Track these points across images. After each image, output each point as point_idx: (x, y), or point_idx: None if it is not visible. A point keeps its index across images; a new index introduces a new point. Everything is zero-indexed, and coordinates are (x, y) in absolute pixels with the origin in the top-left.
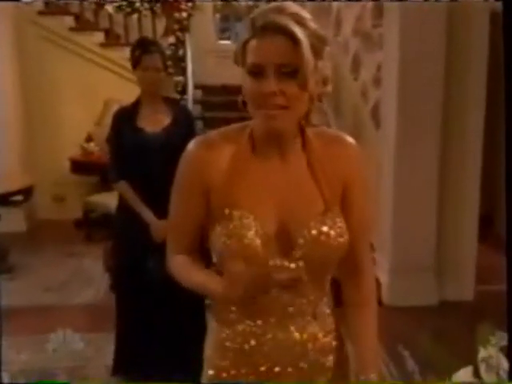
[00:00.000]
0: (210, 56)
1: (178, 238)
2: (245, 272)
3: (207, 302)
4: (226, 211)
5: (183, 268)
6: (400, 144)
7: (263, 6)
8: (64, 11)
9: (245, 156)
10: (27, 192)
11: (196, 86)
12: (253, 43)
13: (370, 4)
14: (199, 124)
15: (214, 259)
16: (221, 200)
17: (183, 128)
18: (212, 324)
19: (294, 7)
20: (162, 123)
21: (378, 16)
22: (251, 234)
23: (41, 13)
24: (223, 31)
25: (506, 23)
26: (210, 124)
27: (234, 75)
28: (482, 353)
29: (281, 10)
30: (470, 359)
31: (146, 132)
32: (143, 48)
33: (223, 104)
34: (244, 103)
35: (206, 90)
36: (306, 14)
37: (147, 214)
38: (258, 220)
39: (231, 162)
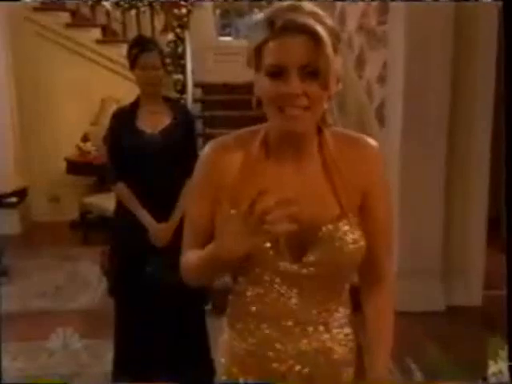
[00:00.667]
0: (210, 53)
1: (192, 235)
2: (233, 217)
3: (207, 308)
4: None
5: (192, 255)
6: (406, 144)
7: (276, 4)
8: (60, 7)
9: (258, 159)
10: (22, 193)
11: (196, 85)
12: (272, 44)
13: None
14: (199, 123)
15: None
16: (232, 203)
17: (183, 128)
18: (224, 331)
19: (309, 5)
20: (161, 124)
21: (383, 12)
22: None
23: (36, 9)
24: (224, 27)
25: (506, 23)
26: (210, 123)
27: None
28: (493, 367)
29: (298, 9)
30: (478, 367)
31: (145, 133)
32: (140, 46)
33: (224, 103)
34: (258, 103)
35: (206, 88)
36: (321, 12)
37: (146, 218)
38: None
39: (244, 165)
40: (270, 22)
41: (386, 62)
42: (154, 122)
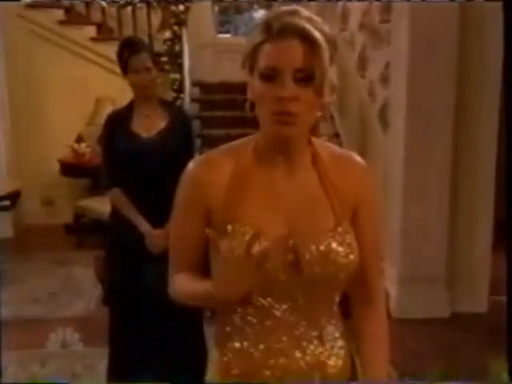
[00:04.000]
0: (208, 51)
1: (180, 256)
2: (229, 260)
3: (207, 313)
4: (229, 228)
5: (184, 283)
6: (409, 147)
7: (275, 8)
8: (54, 4)
9: (248, 170)
10: (14, 196)
11: (193, 84)
12: (268, 46)
13: None
14: (197, 124)
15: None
16: (223, 217)
17: (180, 131)
18: (214, 349)
19: (306, 12)
20: (157, 127)
21: (386, 10)
22: (255, 250)
23: (29, 6)
24: (222, 24)
25: (506, 23)
26: (209, 124)
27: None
28: None
29: (296, 13)
30: (483, 375)
31: (140, 136)
32: (130, 49)
33: (222, 102)
34: (251, 105)
35: (204, 87)
36: (318, 18)
37: (142, 224)
38: (263, 235)
39: (233, 178)
40: (267, 25)
41: (389, 62)
42: (150, 125)
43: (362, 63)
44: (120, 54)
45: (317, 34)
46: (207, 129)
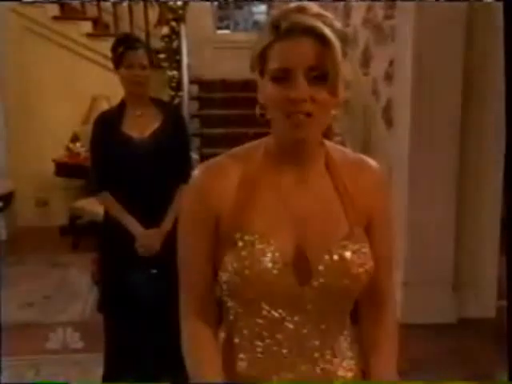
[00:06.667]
0: (207, 47)
1: (192, 284)
2: None
3: None
4: (237, 236)
5: (193, 344)
6: (414, 145)
7: (282, 7)
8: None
9: (257, 176)
10: (8, 197)
11: (192, 81)
12: (278, 47)
13: None
14: (196, 122)
15: (222, 291)
16: (231, 225)
17: (174, 133)
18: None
19: (316, 7)
20: (150, 128)
21: (390, 6)
22: (265, 260)
23: (22, 1)
24: (222, 20)
25: (506, 23)
26: (208, 122)
27: (234, 68)
28: None
29: (304, 11)
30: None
31: (132, 138)
32: (126, 44)
33: (222, 100)
34: (261, 111)
35: (203, 85)
36: (328, 14)
37: (133, 225)
38: (274, 244)
39: (241, 184)
40: (275, 25)
41: (394, 59)
42: (142, 126)
43: (366, 60)
44: (115, 48)
45: (327, 32)
46: (206, 127)
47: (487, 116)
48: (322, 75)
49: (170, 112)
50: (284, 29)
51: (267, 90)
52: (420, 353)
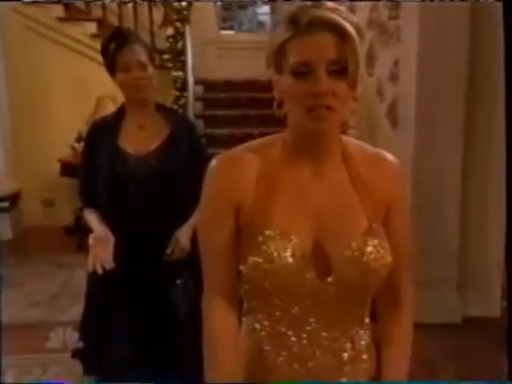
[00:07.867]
0: (211, 48)
1: (216, 272)
2: None
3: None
4: (258, 231)
5: (213, 335)
6: (419, 146)
7: (298, 3)
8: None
9: (276, 170)
10: (14, 197)
11: (197, 82)
12: (297, 41)
13: None
14: (200, 123)
15: (244, 285)
16: (251, 220)
17: (184, 147)
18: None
19: (330, 3)
20: (152, 142)
21: (394, 6)
22: (286, 255)
23: (26, 1)
24: (226, 21)
25: (506, 23)
26: (212, 123)
27: (238, 69)
28: None
29: (322, 6)
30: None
31: (128, 155)
32: (117, 40)
33: (226, 101)
34: (279, 106)
35: (208, 85)
36: (342, 8)
37: (94, 224)
38: (294, 240)
39: (261, 177)
40: (293, 20)
41: (398, 59)
42: (142, 140)
43: (370, 60)
44: (105, 48)
45: (348, 25)
46: (211, 128)
47: (492, 116)
48: (341, 69)
49: (180, 123)
50: (304, 23)
51: (286, 85)
52: (425, 352)
